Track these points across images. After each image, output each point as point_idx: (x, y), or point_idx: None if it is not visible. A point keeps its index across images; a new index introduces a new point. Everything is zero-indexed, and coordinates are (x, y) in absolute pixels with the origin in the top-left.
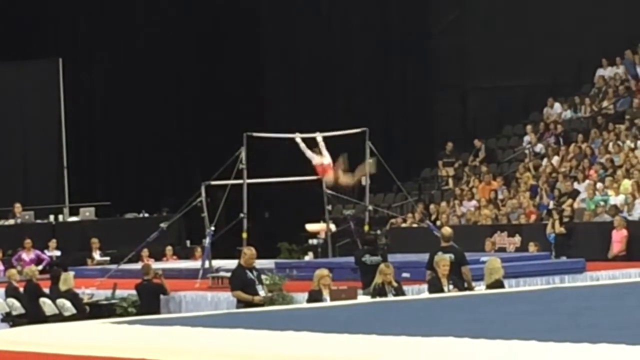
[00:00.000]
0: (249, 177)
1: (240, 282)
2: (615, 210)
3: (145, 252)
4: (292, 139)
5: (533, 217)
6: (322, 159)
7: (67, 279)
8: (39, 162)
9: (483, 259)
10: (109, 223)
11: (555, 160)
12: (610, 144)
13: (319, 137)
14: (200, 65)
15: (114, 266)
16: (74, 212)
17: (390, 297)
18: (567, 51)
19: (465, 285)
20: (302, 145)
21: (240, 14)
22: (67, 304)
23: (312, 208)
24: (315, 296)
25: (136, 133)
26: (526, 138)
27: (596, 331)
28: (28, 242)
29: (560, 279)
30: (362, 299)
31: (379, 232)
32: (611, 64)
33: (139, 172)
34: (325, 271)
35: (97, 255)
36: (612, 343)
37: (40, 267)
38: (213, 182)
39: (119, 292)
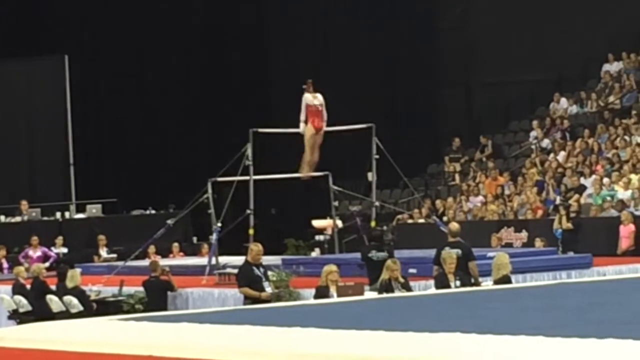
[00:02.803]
0: (255, 174)
1: (247, 278)
2: (622, 205)
3: (151, 249)
4: (298, 134)
5: (540, 213)
6: (314, 99)
7: (74, 276)
8: (45, 159)
9: (490, 254)
10: (116, 220)
11: (562, 155)
12: (617, 139)
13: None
14: (206, 61)
15: (120, 263)
16: (80, 209)
17: (397, 293)
18: (573, 46)
19: (472, 280)
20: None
21: (245, 8)
22: (74, 301)
23: (318, 204)
24: (322, 292)
25: (142, 129)
26: (532, 133)
27: (603, 326)
28: (35, 239)
29: (567, 274)
30: (369, 295)
31: (385, 228)
32: (617, 59)
33: (145, 168)
34: (333, 267)
35: (103, 252)
36: (619, 338)
37: (47, 264)
38: (219, 179)
39: (126, 289)
